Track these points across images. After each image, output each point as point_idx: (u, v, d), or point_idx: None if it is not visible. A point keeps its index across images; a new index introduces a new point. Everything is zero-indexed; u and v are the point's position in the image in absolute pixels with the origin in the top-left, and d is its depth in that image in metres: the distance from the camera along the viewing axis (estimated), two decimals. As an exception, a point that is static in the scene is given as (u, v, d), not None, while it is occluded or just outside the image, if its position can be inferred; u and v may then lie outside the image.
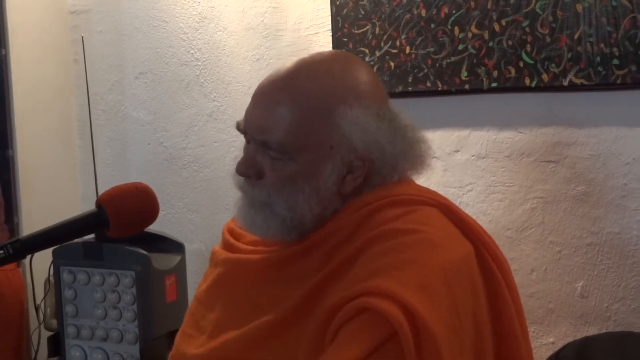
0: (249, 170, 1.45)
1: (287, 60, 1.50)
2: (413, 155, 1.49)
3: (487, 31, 2.18)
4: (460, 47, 2.22)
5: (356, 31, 2.38)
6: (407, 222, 1.39)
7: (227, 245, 1.60)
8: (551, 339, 2.20)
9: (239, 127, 1.49)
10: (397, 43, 2.32)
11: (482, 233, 1.47)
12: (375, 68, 2.34)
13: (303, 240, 1.45)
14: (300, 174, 1.41)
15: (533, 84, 2.13)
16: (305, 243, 1.45)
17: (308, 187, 1.42)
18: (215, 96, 2.76)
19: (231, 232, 1.62)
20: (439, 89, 2.27)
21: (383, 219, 1.40)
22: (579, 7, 2.04)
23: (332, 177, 1.42)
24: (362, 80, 1.46)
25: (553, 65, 2.09)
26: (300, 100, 1.41)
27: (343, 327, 1.29)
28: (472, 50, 2.20)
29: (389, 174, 1.46)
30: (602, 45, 2.02)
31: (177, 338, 1.60)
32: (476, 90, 2.22)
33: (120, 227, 1.75)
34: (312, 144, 1.41)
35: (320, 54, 1.51)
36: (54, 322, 2.37)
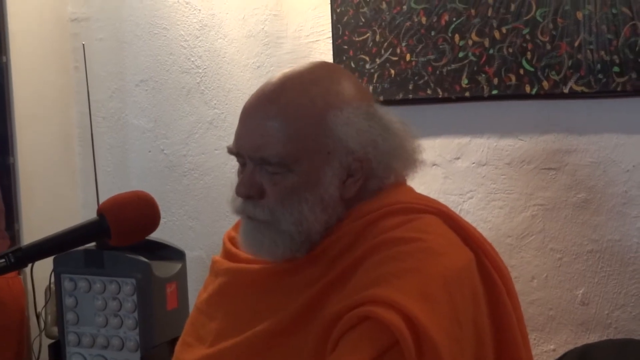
0: (250, 191, 1.44)
1: (269, 78, 1.51)
2: (405, 152, 1.49)
3: (487, 39, 2.18)
4: (461, 54, 2.22)
5: (357, 39, 2.39)
6: (407, 231, 1.39)
7: (228, 255, 1.60)
8: (552, 346, 2.20)
9: (231, 152, 1.48)
10: (398, 50, 2.32)
11: (482, 240, 1.47)
12: (375, 75, 2.35)
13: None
14: (301, 184, 1.41)
15: (533, 92, 2.13)
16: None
17: (311, 196, 1.41)
18: (215, 104, 2.76)
19: (232, 240, 1.61)
20: (440, 96, 2.27)
21: (383, 227, 1.40)
22: (579, 15, 2.05)
23: (334, 182, 1.42)
24: (346, 84, 1.48)
25: (553, 72, 2.10)
26: (291, 112, 1.42)
27: (344, 336, 1.29)
28: (473, 58, 2.21)
29: (386, 176, 1.47)
30: (602, 52, 2.02)
31: (177, 347, 1.59)
32: (476, 97, 2.22)
33: (121, 235, 1.75)
34: (309, 152, 1.41)
35: (300, 65, 1.53)
36: (54, 330, 2.37)
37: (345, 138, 1.42)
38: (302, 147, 1.41)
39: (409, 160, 1.50)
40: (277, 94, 1.44)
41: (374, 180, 1.46)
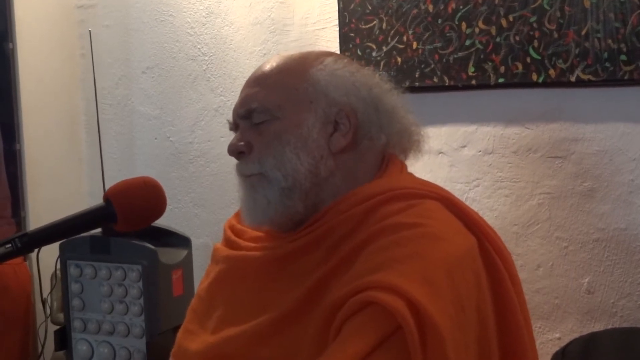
0: (239, 145, 1.48)
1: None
2: (399, 118, 1.53)
3: (494, 27, 2.18)
4: (468, 42, 2.22)
5: (363, 26, 2.38)
6: (409, 216, 1.39)
7: (228, 242, 1.60)
8: (557, 335, 2.20)
9: (230, 128, 1.56)
10: (404, 38, 2.31)
11: (484, 226, 1.47)
12: (382, 63, 2.34)
13: (305, 233, 1.45)
14: (284, 129, 1.45)
15: (540, 80, 2.13)
16: (307, 238, 1.45)
17: (293, 138, 1.45)
18: (222, 91, 2.76)
19: (232, 228, 1.62)
20: (446, 84, 2.27)
21: (386, 213, 1.40)
22: (587, 3, 2.04)
23: (317, 126, 1.46)
24: (338, 54, 1.59)
25: (560, 61, 2.09)
26: (277, 70, 1.51)
27: (347, 321, 1.29)
28: (479, 46, 2.20)
29: (377, 136, 1.49)
30: (609, 41, 2.02)
31: (179, 335, 1.59)
32: (483, 85, 2.22)
33: (127, 221, 1.75)
34: (292, 99, 1.47)
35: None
36: (60, 316, 2.37)
37: (326, 87, 1.47)
38: (285, 95, 1.47)
39: (403, 130, 1.53)
40: (271, 66, 1.53)
41: (365, 142, 1.49)
